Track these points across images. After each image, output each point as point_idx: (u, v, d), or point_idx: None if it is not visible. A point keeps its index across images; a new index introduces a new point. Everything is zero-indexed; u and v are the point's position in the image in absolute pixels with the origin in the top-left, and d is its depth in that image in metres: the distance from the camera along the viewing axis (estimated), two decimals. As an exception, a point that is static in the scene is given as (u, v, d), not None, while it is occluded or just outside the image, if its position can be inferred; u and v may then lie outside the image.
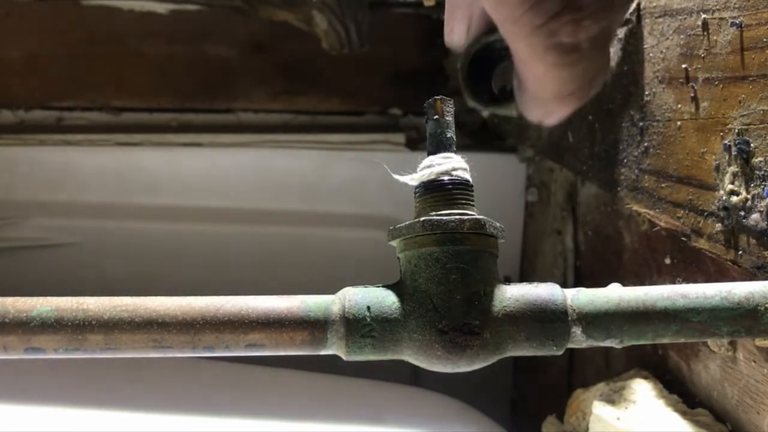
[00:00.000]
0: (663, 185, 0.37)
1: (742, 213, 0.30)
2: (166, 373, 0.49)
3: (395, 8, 0.75)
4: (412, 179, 0.29)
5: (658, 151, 0.38)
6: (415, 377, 0.62)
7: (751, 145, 0.30)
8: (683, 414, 0.35)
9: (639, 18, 0.40)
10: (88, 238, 0.65)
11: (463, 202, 0.28)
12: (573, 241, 0.54)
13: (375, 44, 0.71)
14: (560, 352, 0.27)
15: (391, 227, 0.28)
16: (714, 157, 0.33)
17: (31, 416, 0.42)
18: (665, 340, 0.27)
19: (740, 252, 0.30)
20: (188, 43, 0.75)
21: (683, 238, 0.35)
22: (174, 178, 0.63)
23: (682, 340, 0.27)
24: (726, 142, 0.31)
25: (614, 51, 0.43)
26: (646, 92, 0.39)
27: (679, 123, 0.36)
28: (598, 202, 0.49)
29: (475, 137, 0.77)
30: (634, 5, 0.41)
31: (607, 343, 0.27)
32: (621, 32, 0.42)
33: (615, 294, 0.27)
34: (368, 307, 0.26)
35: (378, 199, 0.64)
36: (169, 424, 0.42)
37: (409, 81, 0.83)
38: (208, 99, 0.77)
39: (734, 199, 0.30)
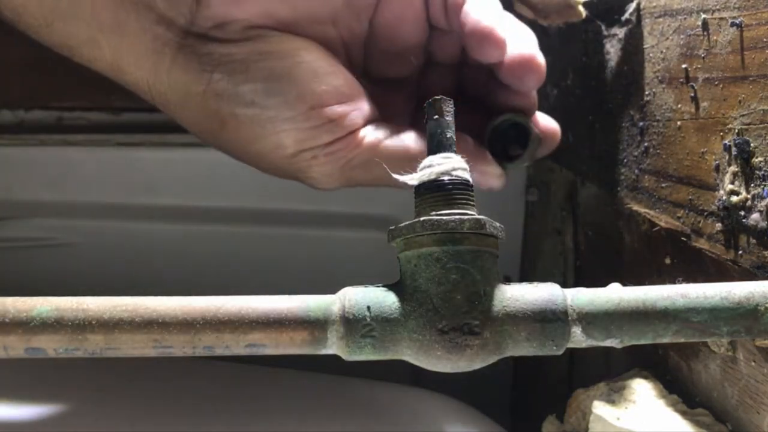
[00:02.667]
0: (663, 185, 0.37)
1: (742, 213, 0.30)
2: (165, 372, 0.49)
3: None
4: (412, 179, 0.29)
5: (658, 151, 0.38)
6: (415, 377, 0.62)
7: (751, 145, 0.30)
8: (683, 414, 0.35)
9: (639, 18, 0.40)
10: (88, 238, 0.65)
11: (463, 202, 0.28)
12: (573, 241, 0.54)
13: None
14: (560, 352, 0.27)
15: (391, 227, 0.28)
16: (714, 157, 0.33)
17: (31, 416, 0.42)
18: (665, 340, 0.27)
19: (740, 252, 0.30)
20: (188, 43, 0.75)
21: (683, 238, 0.35)
22: (174, 178, 0.63)
23: (682, 340, 0.27)
24: (726, 142, 0.31)
25: (614, 51, 0.43)
26: (646, 92, 0.39)
27: (679, 123, 0.36)
28: (598, 202, 0.49)
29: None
30: (633, 5, 0.41)
31: (607, 343, 0.27)
32: (621, 32, 0.42)
33: (615, 294, 0.27)
34: (368, 307, 0.26)
35: (378, 199, 0.64)
36: (169, 424, 0.42)
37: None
38: (208, 99, 0.77)
39: (734, 199, 0.31)
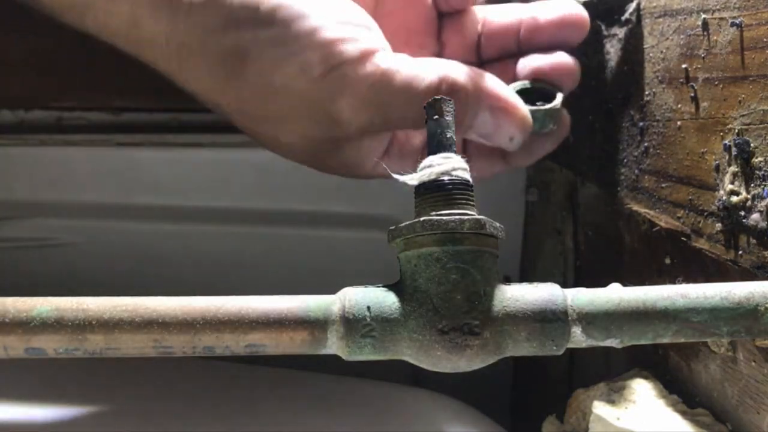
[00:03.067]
0: (663, 185, 0.37)
1: (742, 213, 0.30)
2: (165, 372, 0.49)
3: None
4: (412, 179, 0.29)
5: (658, 151, 0.38)
6: (415, 377, 0.62)
7: (751, 145, 0.30)
8: (683, 414, 0.35)
9: (639, 18, 0.40)
10: (88, 238, 0.65)
11: (463, 202, 0.28)
12: (573, 241, 0.54)
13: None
14: (560, 352, 0.27)
15: (391, 227, 0.28)
16: (714, 157, 0.33)
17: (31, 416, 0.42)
18: (665, 340, 0.27)
19: (740, 252, 0.30)
20: (188, 43, 0.75)
21: (683, 238, 0.35)
22: (174, 178, 0.63)
23: (682, 340, 0.27)
24: (726, 142, 0.31)
25: (614, 51, 0.43)
26: (646, 92, 0.39)
27: (679, 123, 0.36)
28: (598, 202, 0.49)
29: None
30: (633, 5, 0.41)
31: (607, 343, 0.27)
32: (621, 32, 0.42)
33: (615, 294, 0.27)
34: (368, 307, 0.26)
35: (378, 199, 0.64)
36: (169, 424, 0.42)
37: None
38: (208, 99, 0.77)
39: (734, 199, 0.31)
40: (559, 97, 0.41)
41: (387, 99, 0.38)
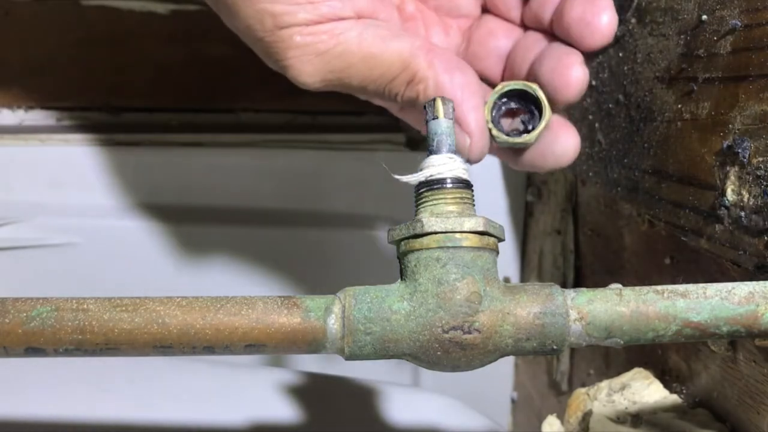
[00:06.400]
0: (663, 185, 0.37)
1: (742, 213, 0.30)
2: (164, 372, 0.49)
3: (395, 8, 0.75)
4: (412, 179, 0.29)
5: (658, 151, 0.38)
6: (415, 377, 0.62)
7: (751, 145, 0.30)
8: (683, 414, 0.35)
9: (639, 18, 0.40)
10: (88, 238, 0.65)
11: (463, 202, 0.28)
12: (573, 241, 0.54)
13: (375, 44, 0.71)
14: (560, 352, 0.27)
15: (391, 227, 0.28)
16: (714, 157, 0.33)
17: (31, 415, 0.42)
18: (665, 340, 0.27)
19: (740, 252, 0.30)
20: (188, 43, 0.75)
21: (683, 238, 0.35)
22: (174, 178, 0.63)
23: (682, 340, 0.27)
24: (726, 142, 0.31)
25: (614, 51, 0.43)
26: (646, 92, 0.39)
27: (679, 123, 0.36)
28: (598, 202, 0.49)
29: (475, 137, 0.77)
30: (633, 5, 0.41)
31: (607, 343, 0.27)
32: (621, 32, 0.42)
33: (615, 294, 0.27)
34: (368, 307, 0.26)
35: (378, 199, 0.64)
36: (170, 424, 0.42)
37: (409, 81, 0.82)
38: (208, 99, 0.77)
39: (734, 199, 0.31)
40: (540, 125, 0.38)
41: (340, 67, 0.36)
